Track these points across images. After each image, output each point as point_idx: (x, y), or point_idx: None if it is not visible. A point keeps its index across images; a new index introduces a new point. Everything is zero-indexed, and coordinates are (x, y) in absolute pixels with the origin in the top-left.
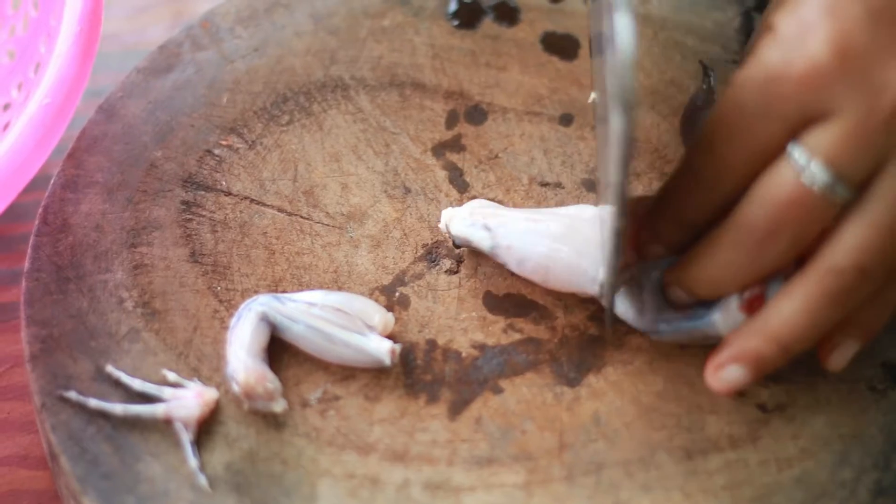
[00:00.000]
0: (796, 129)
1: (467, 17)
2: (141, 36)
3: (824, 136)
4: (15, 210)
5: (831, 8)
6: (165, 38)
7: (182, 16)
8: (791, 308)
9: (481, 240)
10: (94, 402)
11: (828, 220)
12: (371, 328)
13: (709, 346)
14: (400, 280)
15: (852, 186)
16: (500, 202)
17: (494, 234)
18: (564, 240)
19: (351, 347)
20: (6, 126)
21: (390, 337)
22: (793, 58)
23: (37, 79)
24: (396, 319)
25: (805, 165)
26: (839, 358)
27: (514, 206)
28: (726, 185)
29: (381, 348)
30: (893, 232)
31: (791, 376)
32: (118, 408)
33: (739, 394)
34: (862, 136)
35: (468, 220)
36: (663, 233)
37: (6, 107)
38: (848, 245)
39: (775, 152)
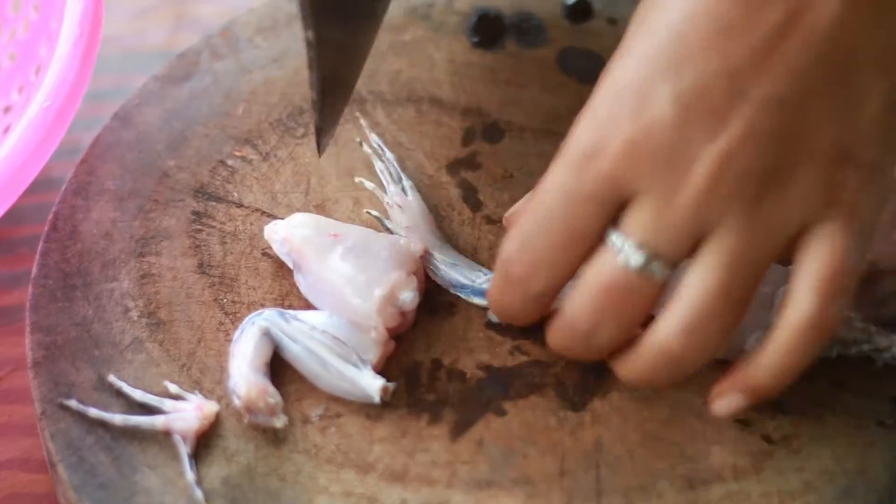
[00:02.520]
0: (609, 211)
1: (488, 34)
2: (142, 39)
3: (637, 217)
4: (16, 213)
5: (640, 87)
6: (166, 41)
7: (183, 18)
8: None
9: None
10: (94, 412)
11: (652, 299)
12: (365, 362)
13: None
14: None
15: (668, 264)
16: None
17: (300, 270)
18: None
19: (344, 379)
20: (7, 129)
21: (392, 356)
22: (606, 137)
23: (37, 81)
24: (401, 338)
25: (621, 248)
26: (721, 406)
27: None
28: (541, 280)
29: (373, 385)
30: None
31: (798, 409)
32: (118, 418)
33: (745, 424)
34: (671, 215)
35: (283, 248)
36: (505, 317)
37: (7, 109)
38: (672, 317)
39: (590, 238)
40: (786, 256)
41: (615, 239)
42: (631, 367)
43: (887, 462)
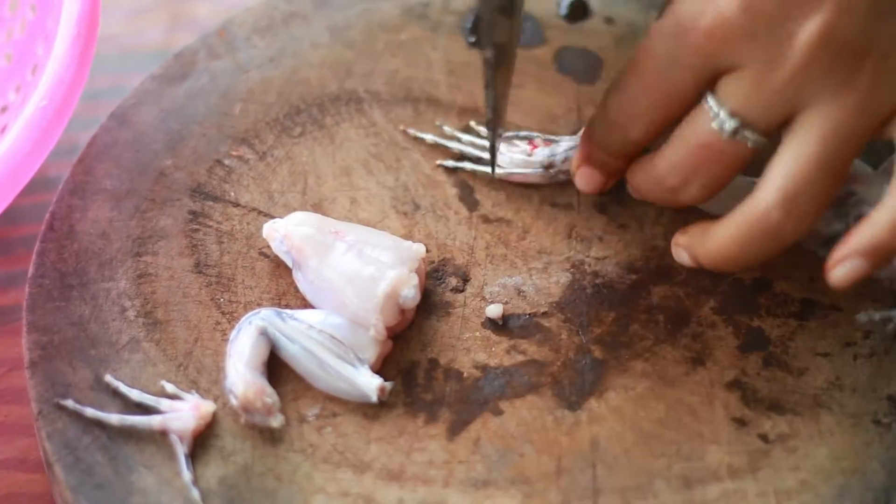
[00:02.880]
0: (706, 78)
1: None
2: (139, 38)
3: (733, 87)
4: (13, 212)
5: None
6: (163, 40)
7: (180, 18)
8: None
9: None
10: (90, 412)
11: (742, 163)
12: (362, 361)
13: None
14: None
15: (760, 133)
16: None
17: (300, 269)
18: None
19: (342, 378)
20: (4, 128)
21: (389, 356)
22: (702, 11)
23: (34, 81)
24: (398, 337)
25: (717, 113)
26: (840, 274)
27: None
28: (640, 129)
29: (371, 384)
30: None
31: (795, 407)
32: (114, 418)
33: (741, 423)
34: (767, 88)
35: (282, 246)
36: (597, 163)
37: (4, 109)
38: (771, 186)
39: (687, 99)
40: (881, 134)
41: (711, 103)
42: (721, 242)
43: (884, 461)
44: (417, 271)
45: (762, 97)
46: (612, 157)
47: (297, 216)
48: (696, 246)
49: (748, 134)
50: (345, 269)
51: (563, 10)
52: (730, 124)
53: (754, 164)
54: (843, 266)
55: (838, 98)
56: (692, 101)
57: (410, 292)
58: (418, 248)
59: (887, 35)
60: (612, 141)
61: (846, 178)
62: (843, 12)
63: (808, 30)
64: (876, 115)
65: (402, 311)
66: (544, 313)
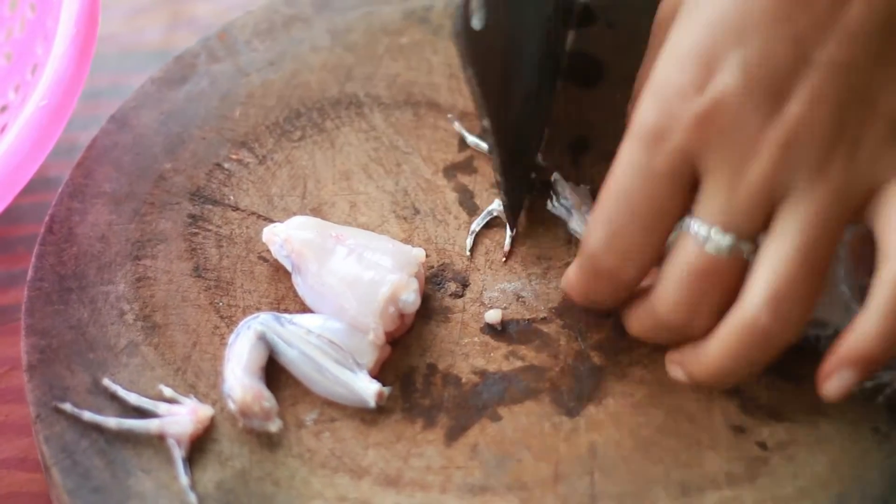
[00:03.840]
0: (688, 184)
1: None
2: (138, 37)
3: (712, 198)
4: (13, 212)
5: (704, 55)
6: (162, 40)
7: (179, 17)
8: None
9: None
10: (88, 415)
11: (741, 276)
12: (360, 366)
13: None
14: None
15: (752, 240)
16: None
17: (299, 273)
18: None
19: (340, 383)
20: (3, 128)
21: (387, 361)
22: (674, 112)
23: (34, 80)
24: (397, 342)
25: (706, 235)
26: (832, 387)
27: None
28: (633, 267)
29: (369, 389)
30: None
31: (794, 415)
32: (112, 422)
33: (740, 430)
34: (746, 190)
35: (282, 250)
36: (597, 302)
37: (3, 108)
38: (756, 290)
39: (677, 214)
40: (859, 219)
41: (696, 227)
42: (714, 355)
43: (882, 469)
44: (417, 276)
45: (743, 200)
46: (609, 302)
47: (298, 220)
48: (690, 364)
49: (743, 246)
50: (345, 274)
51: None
52: (725, 241)
53: None
54: (834, 380)
55: (813, 187)
56: (676, 220)
57: (410, 297)
58: (418, 253)
59: (857, 121)
60: (604, 290)
61: (827, 269)
62: (812, 103)
63: (778, 122)
64: (851, 201)
65: (402, 316)
66: (543, 319)
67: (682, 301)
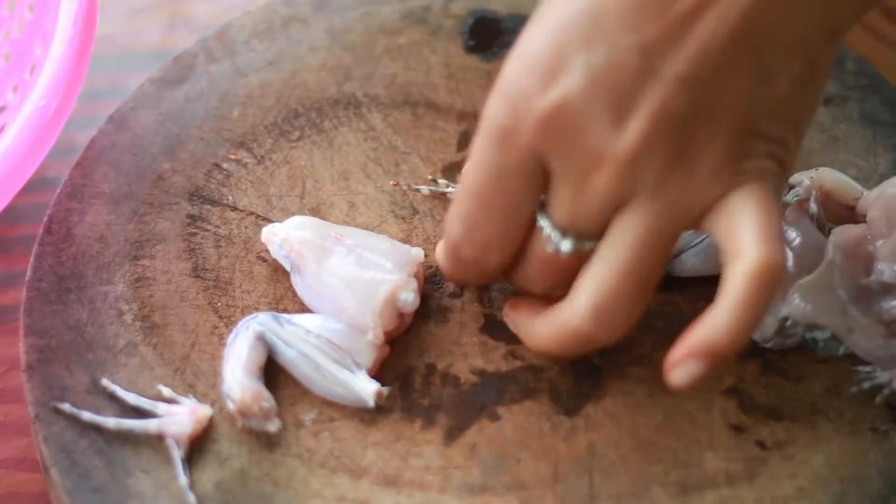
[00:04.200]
0: (540, 177)
1: (484, 37)
2: (136, 38)
3: (557, 199)
4: (12, 212)
5: (550, 58)
6: (161, 40)
7: (177, 17)
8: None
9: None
10: (87, 416)
11: (587, 259)
12: (359, 366)
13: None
14: None
15: (594, 239)
16: None
17: (298, 273)
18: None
19: (339, 383)
20: (2, 128)
21: (386, 360)
22: (521, 111)
23: (32, 81)
24: (396, 342)
25: (549, 234)
26: (678, 376)
27: None
28: (495, 258)
29: (368, 389)
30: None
31: (792, 414)
32: (111, 422)
33: (739, 430)
34: (588, 197)
35: (281, 250)
36: (466, 283)
37: (2, 109)
38: (582, 299)
39: (530, 210)
40: (697, 229)
41: (543, 224)
42: (541, 338)
43: (881, 468)
44: (416, 275)
45: (585, 207)
46: (477, 283)
47: (297, 220)
48: (520, 329)
49: (585, 245)
50: (344, 274)
51: None
52: (565, 245)
53: None
54: (682, 369)
55: (648, 202)
56: (532, 210)
57: (410, 296)
58: (417, 253)
59: (699, 138)
60: (470, 275)
61: (657, 283)
62: (654, 118)
63: (620, 134)
64: (687, 216)
65: (401, 316)
66: None
67: (534, 278)
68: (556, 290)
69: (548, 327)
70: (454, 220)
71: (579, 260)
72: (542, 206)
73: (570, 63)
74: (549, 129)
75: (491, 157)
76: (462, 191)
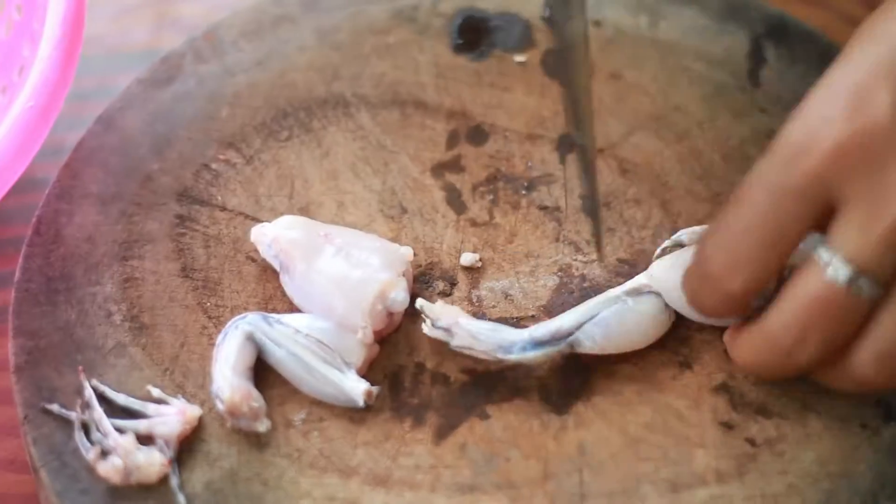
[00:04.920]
0: (817, 210)
1: (473, 37)
2: (125, 38)
3: (845, 229)
4: (0, 214)
5: (857, 91)
6: (149, 41)
7: (166, 18)
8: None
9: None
10: (77, 416)
11: (860, 317)
12: (349, 365)
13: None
14: None
15: (878, 282)
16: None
17: (287, 272)
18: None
19: (328, 383)
20: None
21: (376, 360)
22: (816, 134)
23: (20, 82)
24: (385, 341)
25: (828, 261)
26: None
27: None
28: (741, 280)
29: (357, 388)
30: None
31: (782, 411)
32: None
33: (729, 427)
34: (882, 229)
35: (270, 250)
36: (706, 311)
37: None
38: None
39: (795, 238)
40: None
41: (822, 252)
42: (830, 379)
43: (871, 464)
44: (405, 275)
45: (877, 239)
46: (713, 310)
47: (286, 219)
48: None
49: (863, 284)
50: (333, 273)
51: (547, 13)
52: (843, 272)
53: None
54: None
55: None
56: (795, 244)
57: (399, 295)
58: (406, 252)
59: None
60: (708, 296)
61: None
62: None
63: None
64: None
65: (390, 315)
66: (532, 317)
67: (791, 324)
68: (811, 341)
69: (834, 372)
70: (711, 231)
71: (849, 303)
72: (822, 239)
73: (878, 96)
74: (847, 156)
75: (773, 175)
76: (732, 204)
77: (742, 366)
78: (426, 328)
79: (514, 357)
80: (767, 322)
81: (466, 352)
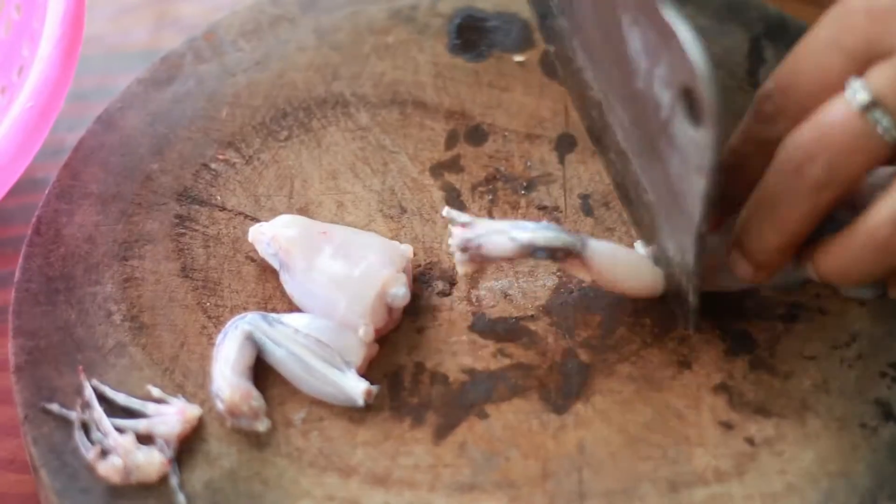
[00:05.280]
0: (861, 65)
1: (472, 36)
2: (124, 38)
3: (879, 70)
4: (1, 214)
5: None
6: (148, 41)
7: (165, 17)
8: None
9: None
10: (76, 416)
11: (871, 156)
12: (348, 365)
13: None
14: None
15: (893, 120)
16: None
17: (287, 271)
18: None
19: (328, 382)
20: None
21: (375, 359)
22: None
23: (20, 82)
24: (385, 341)
25: (851, 86)
26: None
27: None
28: (788, 117)
29: (357, 388)
30: None
31: (781, 410)
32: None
33: (728, 426)
34: None
35: (269, 249)
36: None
37: None
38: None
39: (839, 85)
40: None
41: (853, 85)
42: (835, 257)
43: (869, 463)
44: (405, 271)
45: None
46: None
47: (284, 218)
48: (818, 258)
49: (878, 115)
50: (333, 271)
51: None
52: (862, 96)
53: None
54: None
55: None
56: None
57: (400, 291)
58: (406, 249)
59: None
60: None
61: None
62: None
63: None
64: None
65: (390, 312)
66: (531, 317)
67: (802, 142)
68: (818, 161)
69: (843, 247)
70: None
71: (862, 130)
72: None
73: None
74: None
75: (826, 31)
76: (781, 66)
77: (843, 272)
78: (453, 240)
79: (527, 236)
80: (789, 140)
81: (486, 252)
